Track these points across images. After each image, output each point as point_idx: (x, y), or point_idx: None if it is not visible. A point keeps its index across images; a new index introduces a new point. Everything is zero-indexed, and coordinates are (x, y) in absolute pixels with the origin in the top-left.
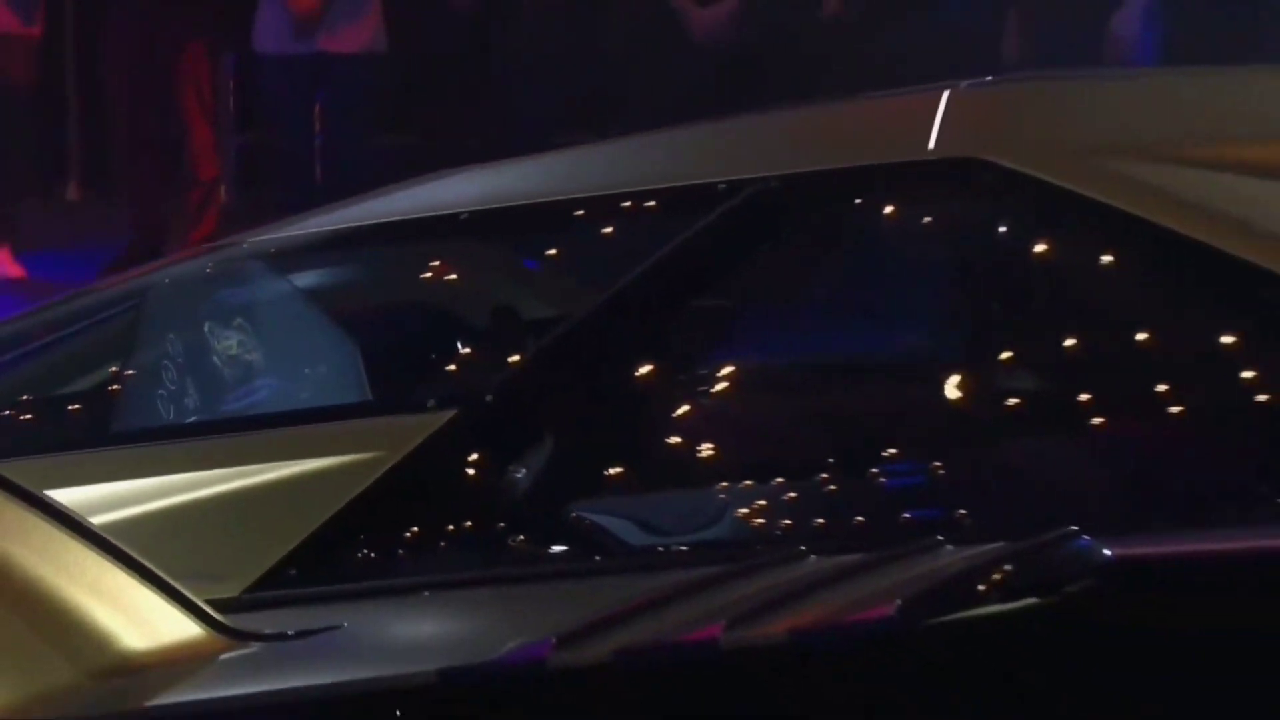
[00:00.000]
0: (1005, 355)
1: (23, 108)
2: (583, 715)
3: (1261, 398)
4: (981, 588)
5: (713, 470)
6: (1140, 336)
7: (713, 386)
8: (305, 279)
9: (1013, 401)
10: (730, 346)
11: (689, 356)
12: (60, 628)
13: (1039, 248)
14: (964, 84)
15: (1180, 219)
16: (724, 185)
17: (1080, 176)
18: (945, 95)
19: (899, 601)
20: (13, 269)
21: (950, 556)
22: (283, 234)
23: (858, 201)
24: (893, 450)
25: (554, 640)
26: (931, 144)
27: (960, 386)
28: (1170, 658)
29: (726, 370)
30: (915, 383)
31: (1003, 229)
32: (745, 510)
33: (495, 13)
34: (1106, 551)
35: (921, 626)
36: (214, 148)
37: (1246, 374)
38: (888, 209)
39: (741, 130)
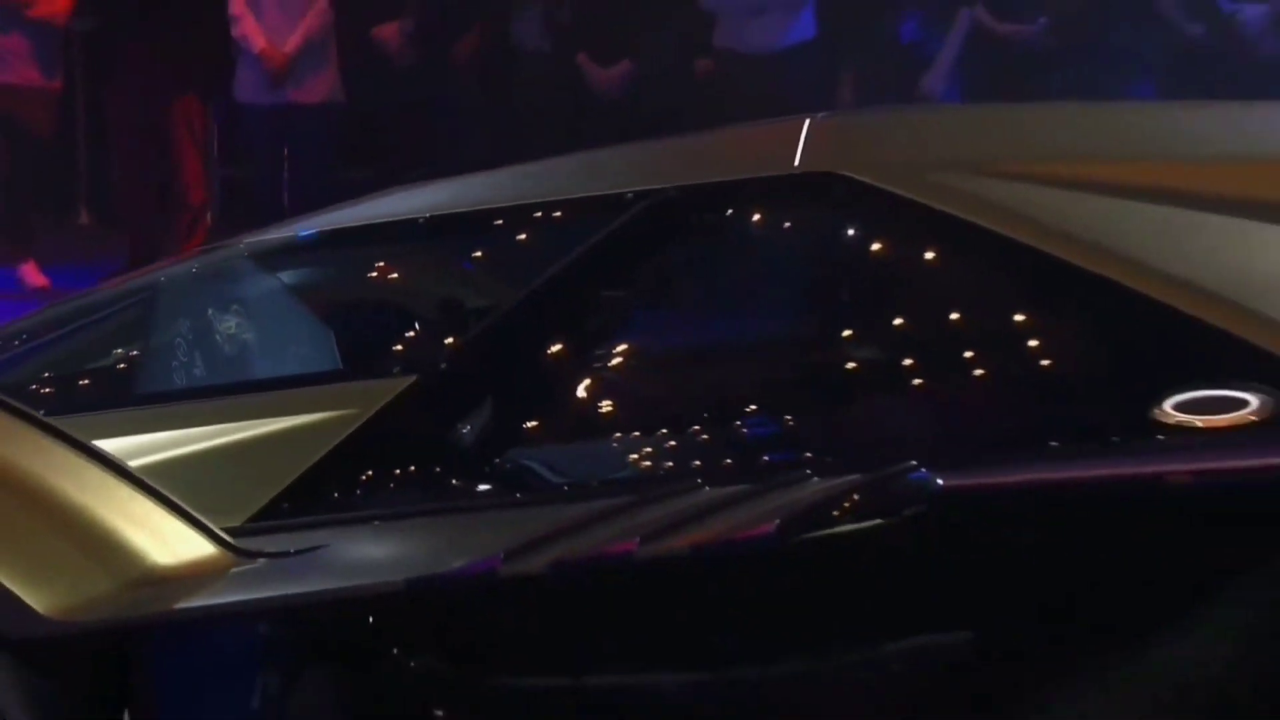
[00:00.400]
0: (858, 330)
1: (45, 148)
2: (524, 614)
3: (1046, 363)
4: (837, 512)
5: (621, 424)
6: (964, 315)
7: (621, 360)
8: (290, 273)
9: (863, 367)
10: (634, 326)
11: (601, 335)
12: (101, 547)
13: (884, 246)
14: (820, 115)
15: (999, 222)
16: (631, 194)
17: (919, 188)
18: (806, 123)
19: (777, 522)
20: (39, 279)
21: (815, 486)
22: (271, 236)
23: (738, 208)
24: (769, 406)
25: (503, 554)
26: (796, 161)
27: (822, 356)
28: (986, 565)
29: (632, 346)
30: (787, 354)
31: (854, 231)
32: (650, 455)
33: (431, 70)
34: (939, 481)
35: (793, 542)
36: (202, 179)
37: (1042, 345)
38: (761, 215)
39: (645, 152)
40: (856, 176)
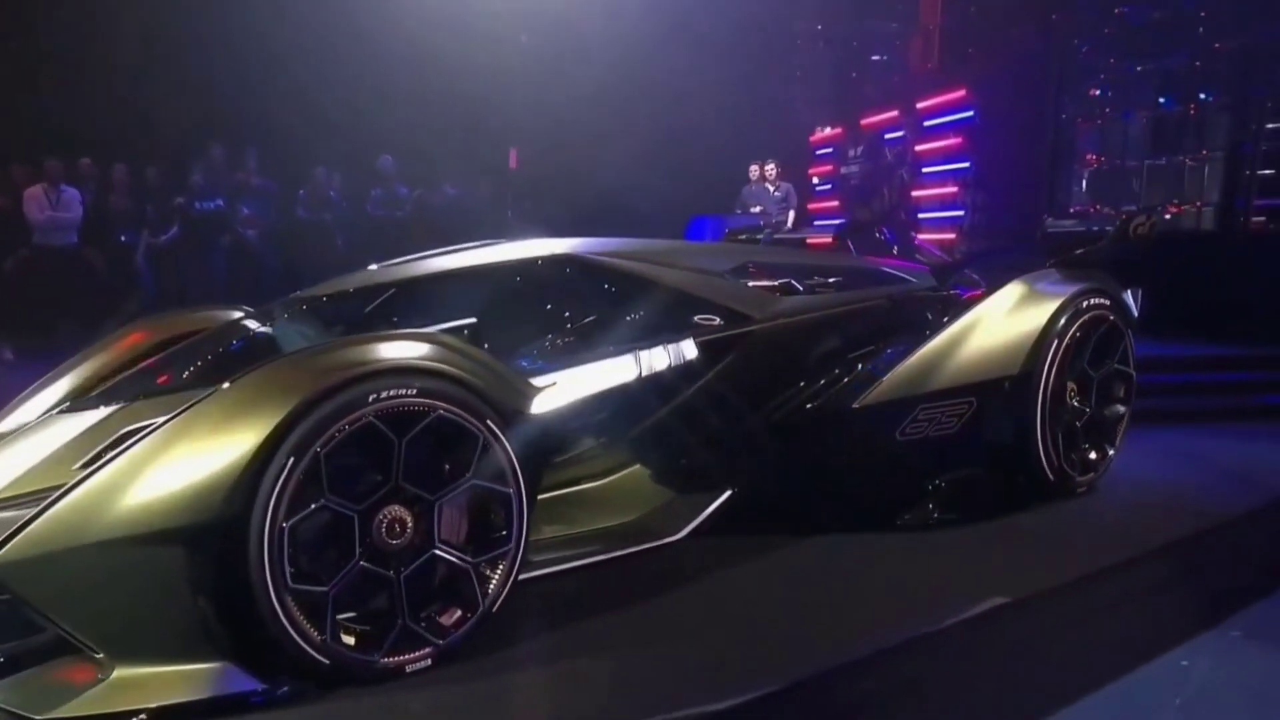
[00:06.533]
0: (591, 305)
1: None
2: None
3: (657, 310)
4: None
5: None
6: (621, 297)
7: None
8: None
9: (581, 316)
10: (522, 306)
11: (515, 316)
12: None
13: (585, 276)
14: (549, 240)
15: (625, 266)
16: (500, 260)
17: (592, 257)
18: (550, 240)
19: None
20: None
21: (662, 347)
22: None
23: (539, 266)
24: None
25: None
26: (555, 250)
27: (569, 312)
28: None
29: (531, 319)
30: (572, 310)
31: (574, 272)
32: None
33: None
34: (695, 348)
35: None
36: None
37: (654, 305)
38: (532, 273)
39: (499, 247)
40: (573, 253)
